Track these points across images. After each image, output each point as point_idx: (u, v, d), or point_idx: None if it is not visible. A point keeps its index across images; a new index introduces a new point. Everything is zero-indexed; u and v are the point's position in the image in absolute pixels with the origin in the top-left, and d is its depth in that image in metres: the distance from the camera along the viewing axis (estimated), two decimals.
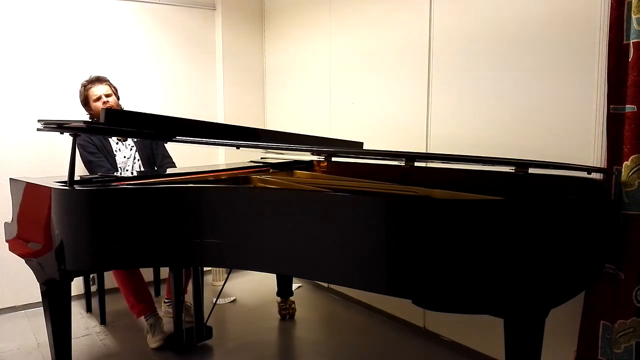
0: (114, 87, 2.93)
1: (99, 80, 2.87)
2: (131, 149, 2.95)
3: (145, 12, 3.58)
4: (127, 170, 2.91)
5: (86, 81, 2.87)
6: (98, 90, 2.83)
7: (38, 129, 2.08)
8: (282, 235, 1.70)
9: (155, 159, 3.03)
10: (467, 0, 2.40)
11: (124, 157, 2.92)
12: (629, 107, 1.75)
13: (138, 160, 2.96)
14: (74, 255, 1.95)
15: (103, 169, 2.78)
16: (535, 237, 1.42)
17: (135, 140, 2.97)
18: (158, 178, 2.41)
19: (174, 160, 3.12)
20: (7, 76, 3.11)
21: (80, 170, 2.22)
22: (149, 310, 2.73)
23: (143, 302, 2.73)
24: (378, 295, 1.89)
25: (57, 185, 1.99)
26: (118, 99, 2.93)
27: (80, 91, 2.88)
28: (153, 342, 2.65)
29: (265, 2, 4.01)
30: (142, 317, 2.73)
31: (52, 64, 3.24)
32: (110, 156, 2.86)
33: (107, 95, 2.84)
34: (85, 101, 2.86)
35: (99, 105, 2.81)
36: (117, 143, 2.91)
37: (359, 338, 2.80)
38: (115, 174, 2.80)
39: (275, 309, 3.09)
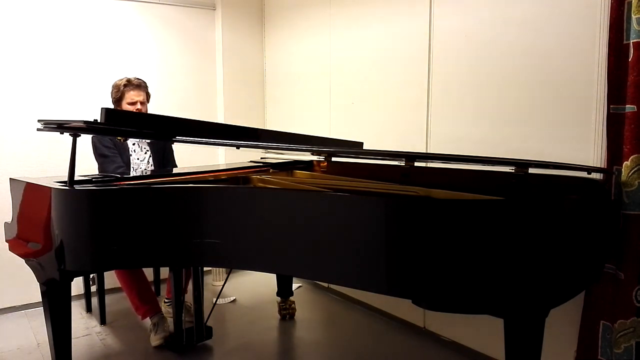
0: (149, 95, 2.90)
1: (140, 87, 2.81)
2: (146, 152, 2.95)
3: (145, 11, 3.58)
4: (138, 172, 2.91)
5: (127, 81, 2.78)
6: (137, 96, 2.79)
7: (38, 129, 2.08)
8: (282, 235, 1.70)
9: (165, 166, 3.05)
10: (467, 0, 2.41)
11: (138, 158, 2.92)
12: (629, 107, 1.75)
13: (151, 165, 2.97)
14: (73, 255, 1.95)
15: (115, 164, 2.78)
16: (535, 237, 1.42)
17: (149, 143, 2.96)
18: (158, 178, 2.41)
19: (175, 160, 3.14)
20: (7, 76, 3.11)
21: (81, 170, 2.21)
22: (154, 310, 2.73)
23: (148, 303, 2.73)
24: (378, 295, 1.88)
25: (57, 185, 1.98)
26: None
27: (117, 86, 2.79)
28: (154, 340, 2.66)
29: (265, 2, 4.01)
30: (148, 318, 2.73)
31: (52, 63, 3.24)
32: (125, 155, 2.86)
33: (142, 103, 2.82)
34: (119, 99, 2.80)
35: (130, 108, 2.78)
36: (133, 144, 2.91)
37: (359, 338, 2.80)
38: (126, 172, 2.80)
39: (275, 309, 3.09)
